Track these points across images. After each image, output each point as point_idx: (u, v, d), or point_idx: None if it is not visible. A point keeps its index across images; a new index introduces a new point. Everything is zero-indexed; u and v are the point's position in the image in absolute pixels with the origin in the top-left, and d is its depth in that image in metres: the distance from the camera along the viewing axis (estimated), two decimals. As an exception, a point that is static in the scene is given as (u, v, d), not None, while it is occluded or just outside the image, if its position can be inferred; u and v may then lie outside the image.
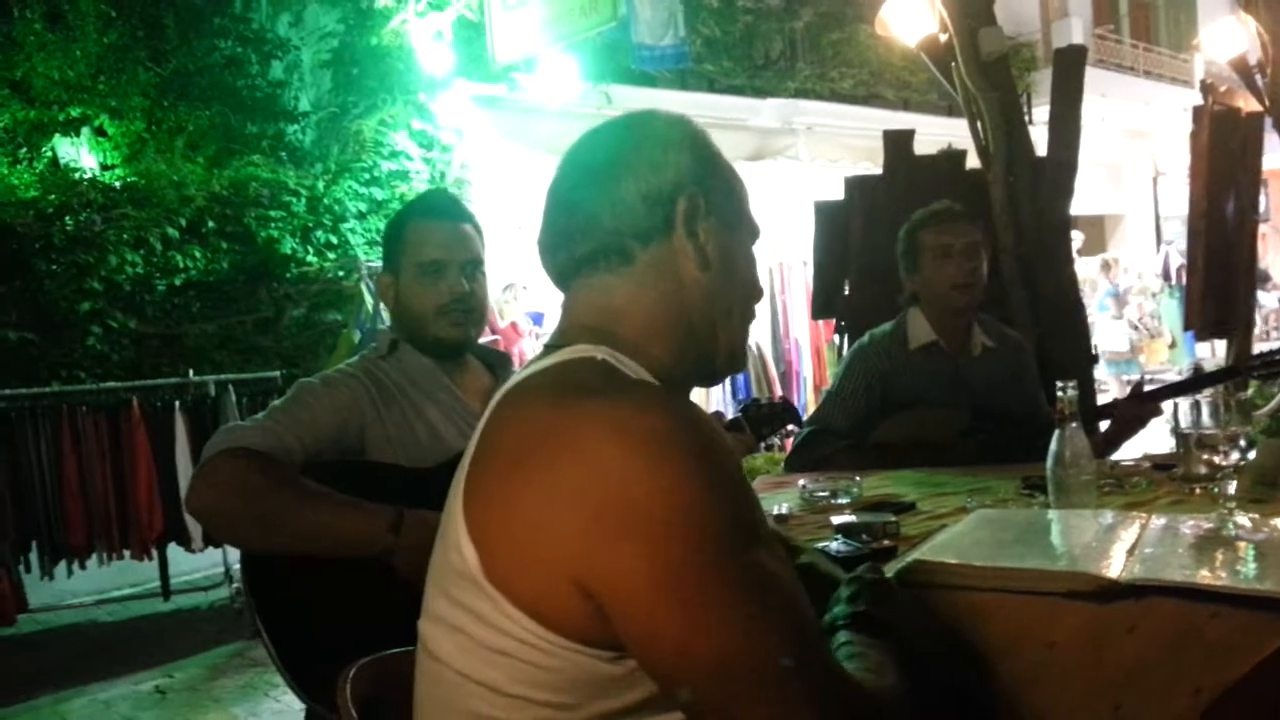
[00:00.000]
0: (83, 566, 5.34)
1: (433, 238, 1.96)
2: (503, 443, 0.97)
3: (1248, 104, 5.47)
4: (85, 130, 7.40)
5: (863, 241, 4.02)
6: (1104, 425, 2.69)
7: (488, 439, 0.99)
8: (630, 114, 1.18)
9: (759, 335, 8.27)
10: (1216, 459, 1.56)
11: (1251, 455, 1.61)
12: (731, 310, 1.15)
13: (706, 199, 1.11)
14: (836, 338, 4.47)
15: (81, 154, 7.36)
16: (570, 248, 1.11)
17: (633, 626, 0.89)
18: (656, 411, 0.91)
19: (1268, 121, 5.06)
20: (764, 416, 2.41)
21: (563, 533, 0.88)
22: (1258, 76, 4.84)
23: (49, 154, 7.26)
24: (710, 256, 1.11)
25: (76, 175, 7.00)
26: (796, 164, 9.64)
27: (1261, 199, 6.21)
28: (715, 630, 0.86)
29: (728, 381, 7.74)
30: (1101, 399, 3.60)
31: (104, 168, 7.38)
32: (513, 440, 0.96)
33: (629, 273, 1.10)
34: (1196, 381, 2.51)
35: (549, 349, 1.10)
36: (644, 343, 1.09)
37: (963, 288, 2.64)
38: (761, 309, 8.55)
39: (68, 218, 6.45)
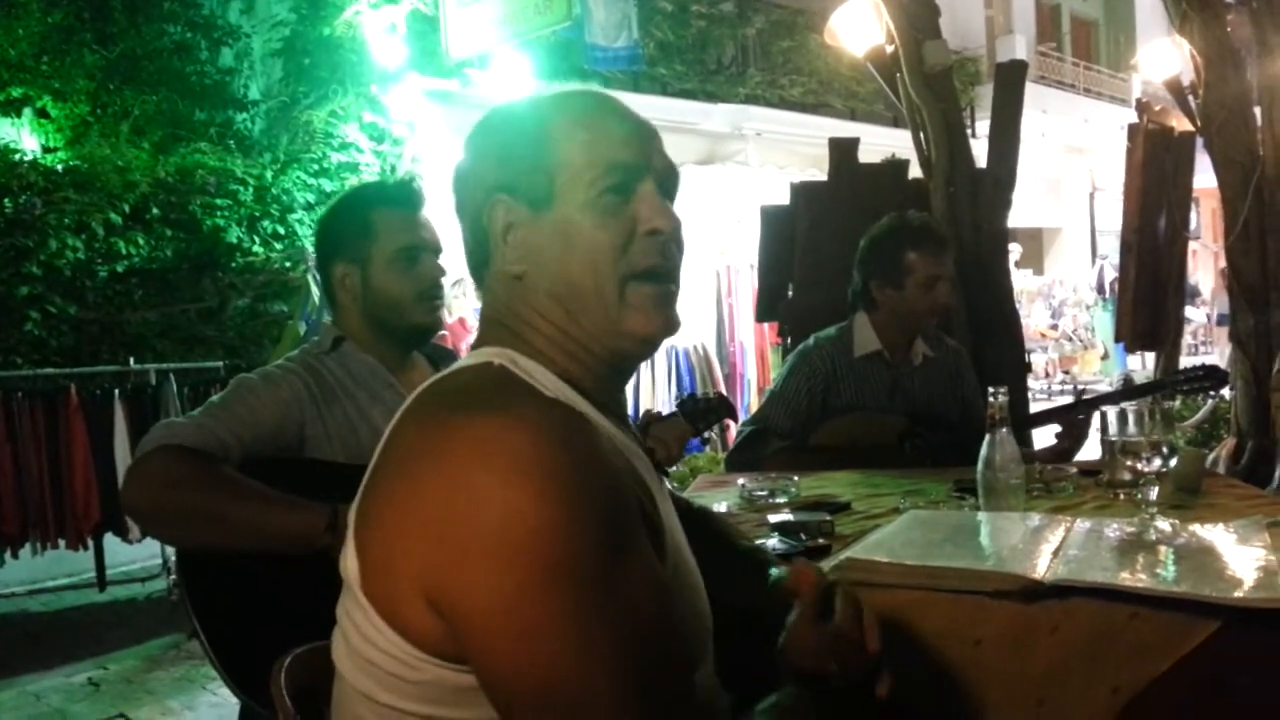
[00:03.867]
0: (15, 556, 5.22)
1: (406, 224, 1.96)
2: (392, 452, 0.96)
3: (1180, 124, 5.61)
4: (27, 111, 7.21)
5: (807, 246, 4.08)
6: (1042, 433, 2.77)
7: (386, 446, 0.99)
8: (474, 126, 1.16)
9: (705, 337, 8.32)
10: (1140, 465, 1.63)
11: (1173, 463, 1.68)
12: (582, 289, 1.06)
13: (512, 192, 1.07)
14: (780, 340, 4.52)
15: (23, 135, 7.18)
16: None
17: (469, 646, 0.88)
18: (524, 429, 0.88)
19: (1199, 142, 5.20)
20: (700, 411, 2.46)
21: (416, 547, 0.88)
22: (1190, 98, 4.96)
23: (-11, 134, 7.10)
24: (523, 252, 1.07)
25: (17, 157, 6.80)
26: (745, 169, 9.70)
27: (1192, 217, 6.38)
28: (540, 662, 0.84)
29: (673, 381, 7.79)
30: (1035, 406, 3.68)
31: (46, 150, 7.20)
32: (398, 451, 0.95)
33: (488, 292, 1.12)
34: (1121, 394, 2.60)
35: (472, 346, 1.12)
36: (541, 346, 1.07)
37: (938, 313, 2.74)
38: (707, 311, 8.64)
39: (7, 200, 6.28)
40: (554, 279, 1.06)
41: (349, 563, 0.96)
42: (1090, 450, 2.64)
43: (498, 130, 1.11)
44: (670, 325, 1.09)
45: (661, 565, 0.97)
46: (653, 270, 1.07)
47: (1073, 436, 2.62)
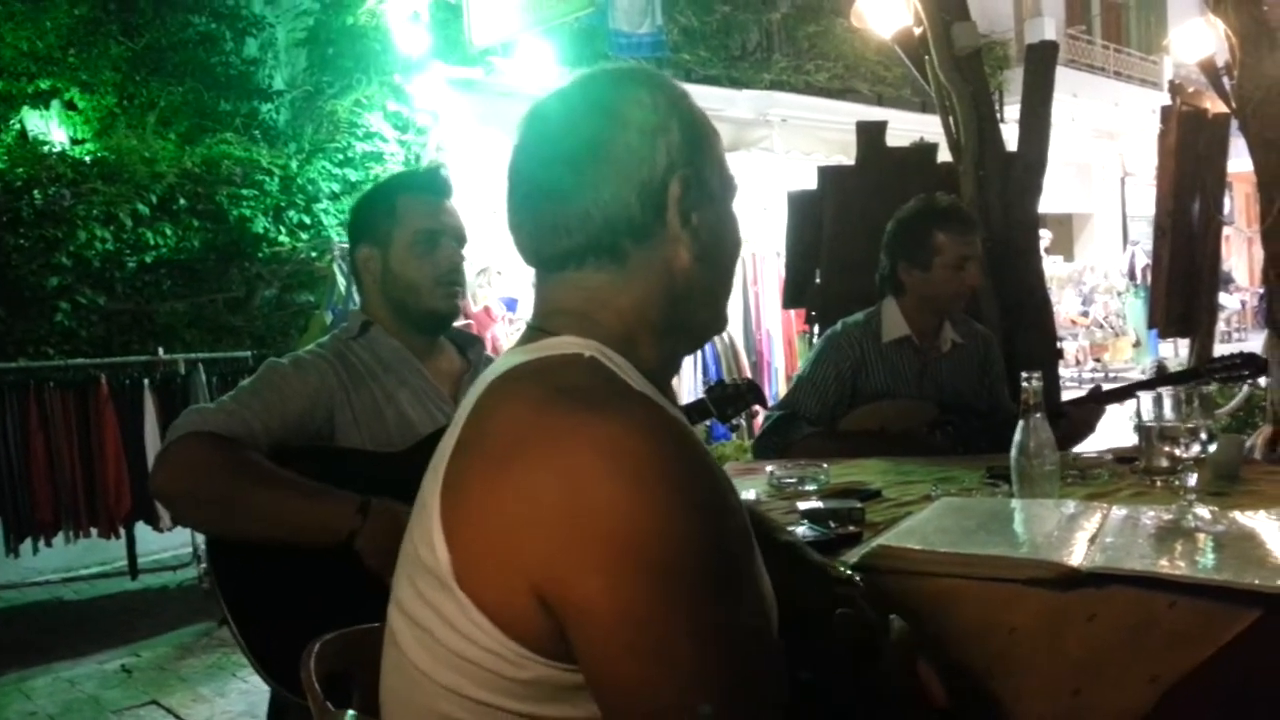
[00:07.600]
0: (49, 544, 5.29)
1: (427, 209, 1.97)
2: (486, 438, 0.92)
3: (1215, 106, 5.53)
4: (55, 103, 7.29)
5: (834, 231, 4.04)
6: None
7: (471, 430, 0.94)
8: (603, 77, 1.08)
9: (731, 326, 8.28)
10: (1178, 451, 1.60)
11: (1212, 449, 1.65)
12: (716, 286, 1.10)
13: (697, 176, 1.03)
14: (808, 328, 4.49)
15: (51, 127, 7.25)
16: (555, 241, 1.03)
17: (583, 650, 0.85)
18: (648, 433, 0.86)
19: (1234, 124, 5.12)
20: (729, 397, 2.45)
21: (532, 545, 0.85)
22: (1225, 79, 4.89)
23: (17, 126, 7.14)
24: (705, 243, 1.05)
25: (46, 149, 6.88)
26: (771, 155, 9.64)
27: (1226, 201, 6.30)
28: (657, 679, 0.83)
29: (699, 368, 7.76)
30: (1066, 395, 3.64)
31: (74, 142, 7.27)
32: (496, 437, 0.91)
33: (621, 270, 1.02)
34: (1156, 382, 2.55)
35: (532, 331, 1.05)
36: (631, 337, 1.03)
37: (965, 296, 2.69)
38: (734, 300, 8.57)
39: (36, 191, 6.34)
40: (719, 268, 1.10)
41: (437, 552, 0.90)
42: (1122, 437, 2.61)
43: (672, 105, 1.04)
44: None
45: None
46: None
47: (1079, 422, 2.59)
